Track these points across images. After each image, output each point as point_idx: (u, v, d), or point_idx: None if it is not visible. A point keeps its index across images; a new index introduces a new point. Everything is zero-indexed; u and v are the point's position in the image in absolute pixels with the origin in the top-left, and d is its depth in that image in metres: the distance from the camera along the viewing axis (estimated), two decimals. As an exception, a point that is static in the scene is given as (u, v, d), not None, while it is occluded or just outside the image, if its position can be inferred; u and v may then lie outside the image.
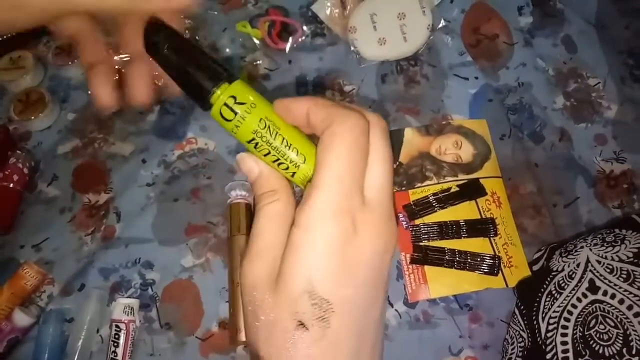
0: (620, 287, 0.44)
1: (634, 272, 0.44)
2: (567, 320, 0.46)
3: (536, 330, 0.48)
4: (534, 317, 0.49)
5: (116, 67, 0.37)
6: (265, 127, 0.29)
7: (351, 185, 0.25)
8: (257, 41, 0.73)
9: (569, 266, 0.49)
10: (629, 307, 0.42)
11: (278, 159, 0.29)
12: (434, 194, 0.61)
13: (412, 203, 0.61)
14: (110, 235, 0.63)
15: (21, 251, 0.64)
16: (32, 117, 0.69)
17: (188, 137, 0.68)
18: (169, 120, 0.70)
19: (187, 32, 0.73)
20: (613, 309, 0.43)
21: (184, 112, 0.70)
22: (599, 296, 0.45)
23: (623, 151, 0.64)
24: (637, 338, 0.41)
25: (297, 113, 0.28)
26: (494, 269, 0.56)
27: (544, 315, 0.48)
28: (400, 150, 0.64)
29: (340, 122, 0.26)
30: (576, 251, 0.49)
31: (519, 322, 0.52)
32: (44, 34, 0.77)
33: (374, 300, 0.27)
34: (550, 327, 0.46)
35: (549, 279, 0.50)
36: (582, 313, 0.45)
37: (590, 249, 0.48)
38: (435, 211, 0.60)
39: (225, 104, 0.29)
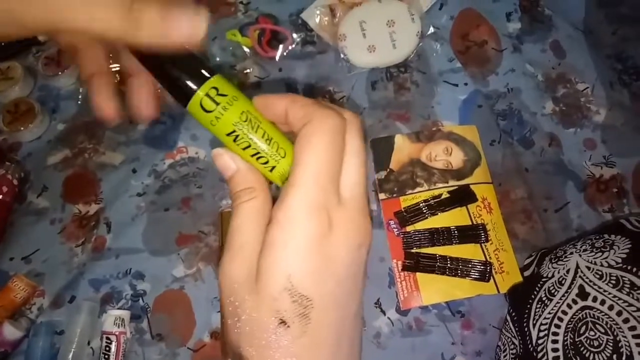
0: (609, 293, 0.44)
1: (623, 278, 0.44)
2: (558, 327, 0.46)
3: (527, 337, 0.48)
4: (525, 324, 0.49)
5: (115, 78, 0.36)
6: (246, 119, 0.29)
7: (327, 183, 0.26)
8: (247, 49, 0.73)
9: (558, 272, 0.49)
10: (619, 313, 0.42)
11: (258, 152, 0.29)
12: (425, 201, 0.61)
13: (403, 210, 0.61)
14: (101, 246, 0.63)
15: (11, 263, 0.63)
16: (22, 128, 0.69)
17: (179, 146, 0.68)
18: (160, 129, 0.70)
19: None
20: (603, 315, 0.43)
21: (174, 121, 0.70)
22: (589, 302, 0.45)
23: (612, 155, 0.65)
24: (627, 344, 0.41)
25: (277, 109, 0.28)
26: (486, 275, 0.56)
27: (534, 322, 0.48)
28: (390, 157, 0.64)
29: (318, 121, 0.26)
30: (566, 257, 0.49)
31: (510, 328, 0.52)
32: (34, 44, 0.77)
33: (352, 295, 0.27)
34: (541, 334, 0.46)
35: (539, 285, 0.50)
36: (572, 319, 0.45)
37: (580, 255, 0.48)
38: (427, 218, 0.60)
39: (207, 95, 0.29)
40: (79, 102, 0.72)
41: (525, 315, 0.49)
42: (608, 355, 0.41)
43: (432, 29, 0.70)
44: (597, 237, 0.49)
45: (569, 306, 0.46)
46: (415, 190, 0.62)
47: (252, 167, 0.29)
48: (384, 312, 0.57)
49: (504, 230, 0.59)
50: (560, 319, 0.46)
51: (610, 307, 0.43)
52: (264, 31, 0.73)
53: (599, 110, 0.67)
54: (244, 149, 0.29)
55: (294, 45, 0.73)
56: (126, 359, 0.57)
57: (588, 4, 0.72)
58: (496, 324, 0.56)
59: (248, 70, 0.72)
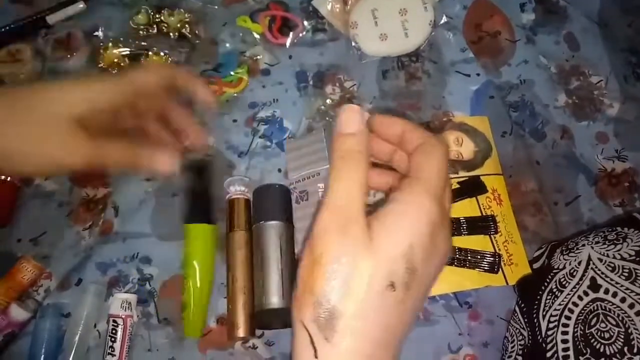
0: (621, 286, 0.43)
1: (636, 271, 0.43)
2: (568, 318, 0.45)
3: (537, 329, 0.48)
4: (534, 315, 0.48)
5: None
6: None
7: (445, 185, 0.30)
8: (257, 36, 0.72)
9: (570, 264, 0.48)
10: (631, 306, 0.42)
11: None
12: (434, 191, 0.60)
13: (412, 200, 0.60)
14: (108, 230, 0.63)
15: (18, 245, 0.63)
16: (30, 111, 0.69)
17: (187, 132, 0.68)
18: (168, 115, 0.69)
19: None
20: (614, 307, 0.43)
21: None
22: (601, 294, 0.44)
23: (624, 149, 0.64)
24: (639, 336, 0.41)
25: (394, 130, 0.33)
26: (494, 266, 0.56)
27: (544, 313, 0.47)
28: (400, 146, 0.64)
29: (437, 140, 0.31)
30: (577, 249, 0.49)
31: (519, 320, 0.51)
32: (43, 27, 0.76)
33: (432, 286, 0.30)
34: (551, 325, 0.46)
35: (550, 276, 0.49)
36: (583, 311, 0.45)
37: (592, 247, 0.47)
38: (436, 208, 0.59)
39: None
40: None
41: (535, 307, 0.49)
42: (619, 347, 0.41)
43: (444, 18, 0.70)
44: (610, 229, 0.49)
45: (580, 298, 0.45)
46: (425, 180, 0.61)
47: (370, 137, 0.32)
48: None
49: (513, 222, 0.59)
50: (571, 311, 0.45)
51: (623, 300, 0.43)
52: (274, 18, 0.72)
53: (612, 104, 0.67)
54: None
55: (304, 33, 0.72)
56: (132, 342, 0.57)
57: (603, -5, 0.71)
58: (504, 315, 0.56)
59: (258, 57, 0.72)
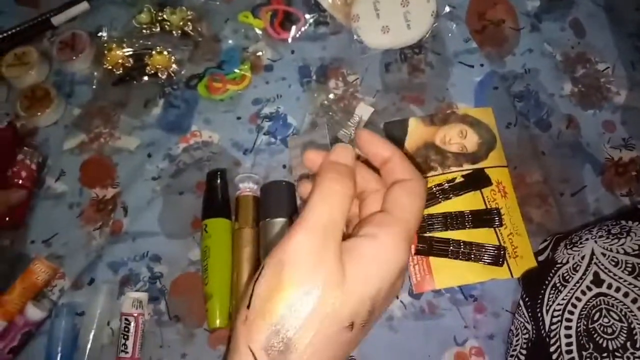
0: (625, 281, 0.43)
1: (639, 265, 0.43)
2: (571, 313, 0.45)
3: (540, 323, 0.48)
4: (538, 310, 0.49)
5: None
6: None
7: (418, 226, 0.30)
8: (259, 32, 0.72)
9: (573, 258, 0.48)
10: (634, 301, 0.42)
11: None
12: (438, 185, 0.60)
13: (416, 194, 0.60)
14: (118, 230, 0.64)
15: (32, 246, 0.65)
16: (39, 113, 0.70)
17: (192, 130, 0.69)
18: (173, 114, 0.70)
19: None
20: (617, 302, 0.43)
21: (188, 105, 0.70)
22: (604, 289, 0.44)
23: (632, 138, 0.63)
24: (641, 332, 0.41)
25: (382, 153, 0.32)
26: (499, 259, 0.56)
27: (548, 307, 0.48)
28: (404, 140, 0.64)
29: (418, 182, 0.31)
30: (581, 243, 0.49)
31: (523, 313, 0.52)
32: (48, 29, 0.77)
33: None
34: (554, 320, 0.46)
35: (553, 271, 0.49)
36: (586, 306, 0.45)
37: (596, 241, 0.47)
38: (440, 202, 0.60)
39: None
40: (94, 87, 0.73)
41: (539, 301, 0.49)
42: (622, 342, 0.41)
43: (447, 8, 0.69)
44: (614, 223, 0.48)
45: (583, 292, 0.46)
46: (429, 174, 0.61)
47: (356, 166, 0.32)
48: (396, 296, 0.58)
49: (518, 214, 0.59)
50: (574, 306, 0.46)
51: (626, 295, 0.43)
52: (276, 12, 0.72)
53: (619, 91, 0.66)
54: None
55: (306, 27, 0.72)
56: (145, 339, 0.59)
57: (610, -21, 0.69)
58: (509, 308, 0.56)
59: (260, 53, 0.72)
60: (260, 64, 0.71)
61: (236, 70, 0.70)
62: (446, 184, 0.60)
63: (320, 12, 0.72)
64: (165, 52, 0.71)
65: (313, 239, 0.26)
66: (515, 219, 0.58)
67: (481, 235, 0.58)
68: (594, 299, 0.45)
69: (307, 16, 0.72)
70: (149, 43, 0.73)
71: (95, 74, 0.73)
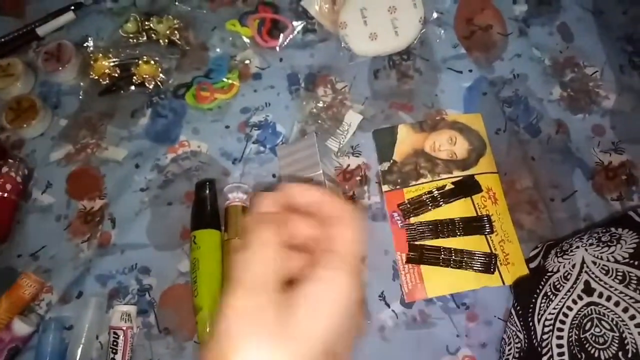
0: (615, 289, 0.43)
1: (630, 274, 0.43)
2: (563, 322, 0.45)
3: (532, 332, 0.47)
4: (529, 319, 0.48)
5: None
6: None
7: (360, 254, 0.29)
8: (247, 40, 0.72)
9: (564, 267, 0.48)
10: (625, 310, 0.42)
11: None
12: (428, 192, 0.60)
13: (406, 202, 0.60)
14: (106, 242, 0.63)
15: (19, 260, 0.64)
16: (25, 125, 0.69)
17: (181, 140, 0.68)
18: (161, 124, 0.69)
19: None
20: (609, 312, 0.43)
21: (176, 115, 0.69)
22: (595, 298, 0.44)
23: (621, 142, 0.63)
24: (633, 341, 0.40)
25: (310, 198, 0.31)
26: (490, 267, 0.56)
27: (539, 317, 0.47)
28: (394, 148, 0.63)
29: (351, 214, 0.30)
30: (572, 251, 0.48)
31: (515, 322, 0.51)
32: (33, 39, 0.76)
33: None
34: (546, 330, 0.46)
35: (544, 279, 0.49)
36: (577, 315, 0.44)
37: (586, 249, 0.47)
38: (430, 209, 0.59)
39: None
40: (81, 98, 0.72)
41: (530, 310, 0.49)
42: (614, 352, 0.41)
43: (435, 14, 0.69)
44: (604, 230, 0.48)
45: (574, 302, 0.45)
46: (419, 182, 0.61)
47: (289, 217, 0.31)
48: (388, 305, 0.57)
49: (509, 221, 0.58)
50: (566, 315, 0.45)
51: (617, 304, 0.43)
52: (264, 20, 0.72)
53: (608, 95, 0.65)
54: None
55: (294, 34, 0.71)
56: (134, 353, 0.58)
57: (598, -17, 0.69)
58: (501, 315, 0.56)
59: (248, 61, 0.71)
60: (249, 72, 0.71)
61: (224, 79, 0.69)
62: (436, 192, 0.60)
63: (308, 19, 0.72)
64: (152, 62, 0.71)
65: (250, 297, 0.26)
66: (506, 226, 0.58)
67: (472, 243, 0.57)
68: (585, 308, 0.44)
69: (295, 23, 0.71)
70: (136, 52, 0.72)
71: (82, 84, 0.73)
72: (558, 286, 0.47)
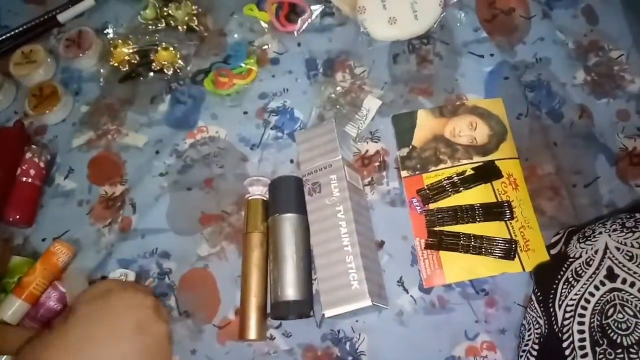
0: (639, 275, 0.42)
1: (654, 260, 0.42)
2: (585, 308, 0.45)
3: (553, 318, 0.47)
4: (550, 304, 0.48)
5: None
6: None
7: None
8: (264, 25, 0.72)
9: (586, 252, 0.47)
10: (649, 296, 0.41)
11: None
12: (448, 178, 0.59)
13: (426, 187, 0.60)
14: (127, 227, 0.64)
15: (43, 244, 0.65)
16: (47, 111, 0.70)
17: (199, 126, 0.68)
18: (180, 110, 0.70)
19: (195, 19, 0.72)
20: (632, 298, 0.42)
21: (195, 101, 0.70)
22: (618, 284, 0.43)
23: (647, 127, 0.62)
24: (657, 327, 0.40)
25: None
26: (511, 253, 0.55)
27: (560, 302, 0.47)
28: (413, 133, 0.63)
29: None
30: (594, 237, 0.47)
31: (535, 308, 0.51)
32: (55, 26, 0.77)
33: None
34: (567, 315, 0.45)
35: (566, 265, 0.48)
36: (599, 301, 0.44)
37: (609, 235, 0.46)
38: (450, 195, 0.59)
39: None
40: (101, 84, 0.73)
41: (551, 296, 0.48)
42: (637, 338, 0.40)
43: (456, -3, 0.68)
44: (628, 216, 0.47)
45: (597, 288, 0.45)
46: (439, 167, 0.60)
47: None
48: (406, 290, 0.57)
49: (530, 207, 0.58)
50: (587, 301, 0.45)
51: (640, 290, 0.42)
52: (281, 4, 0.71)
53: (634, 79, 0.64)
54: None
55: (312, 18, 0.71)
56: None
57: (624, -38, 0.67)
58: (521, 302, 0.56)
59: (266, 46, 0.71)
60: (266, 58, 0.71)
61: (242, 65, 0.69)
62: (456, 177, 0.59)
63: (326, 3, 0.71)
64: (171, 48, 0.71)
65: None
66: (526, 212, 0.57)
67: (492, 229, 0.57)
68: (607, 294, 0.44)
69: (313, 8, 0.71)
70: (155, 39, 0.73)
71: (102, 71, 0.73)
72: (580, 272, 0.47)
